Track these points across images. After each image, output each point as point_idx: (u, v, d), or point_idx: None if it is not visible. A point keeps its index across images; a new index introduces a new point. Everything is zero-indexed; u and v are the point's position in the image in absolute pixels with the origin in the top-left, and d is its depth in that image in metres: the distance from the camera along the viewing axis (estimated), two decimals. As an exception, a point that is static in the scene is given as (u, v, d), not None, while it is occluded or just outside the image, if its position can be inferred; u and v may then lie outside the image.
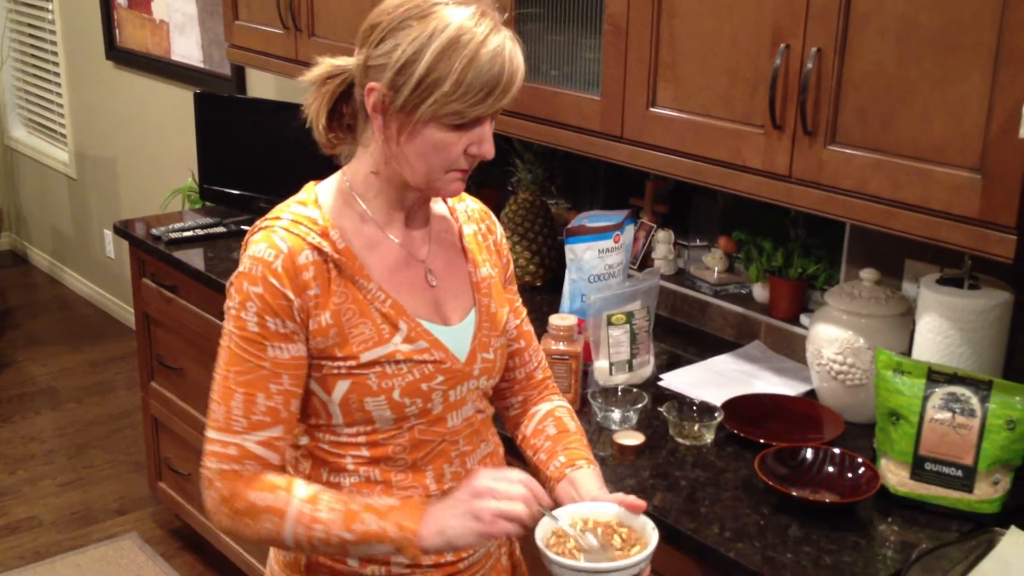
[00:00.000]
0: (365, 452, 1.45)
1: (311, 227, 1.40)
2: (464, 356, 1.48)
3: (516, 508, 1.32)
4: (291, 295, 1.37)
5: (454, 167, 1.39)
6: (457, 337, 1.49)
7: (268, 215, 1.44)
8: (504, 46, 1.34)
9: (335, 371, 1.40)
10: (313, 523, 1.35)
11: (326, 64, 1.43)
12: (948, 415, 1.70)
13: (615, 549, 1.38)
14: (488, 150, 1.39)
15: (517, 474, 1.38)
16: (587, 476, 1.52)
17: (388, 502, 1.38)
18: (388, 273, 1.45)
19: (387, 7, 1.37)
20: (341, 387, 1.40)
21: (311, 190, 1.47)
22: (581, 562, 1.35)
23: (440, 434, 1.48)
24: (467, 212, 1.60)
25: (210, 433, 1.39)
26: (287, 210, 1.43)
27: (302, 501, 1.36)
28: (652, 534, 1.39)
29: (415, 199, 1.47)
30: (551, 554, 1.35)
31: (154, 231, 3.16)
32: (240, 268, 1.39)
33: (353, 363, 1.40)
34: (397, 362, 1.41)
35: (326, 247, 1.39)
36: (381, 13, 1.37)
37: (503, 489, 1.34)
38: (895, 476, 1.76)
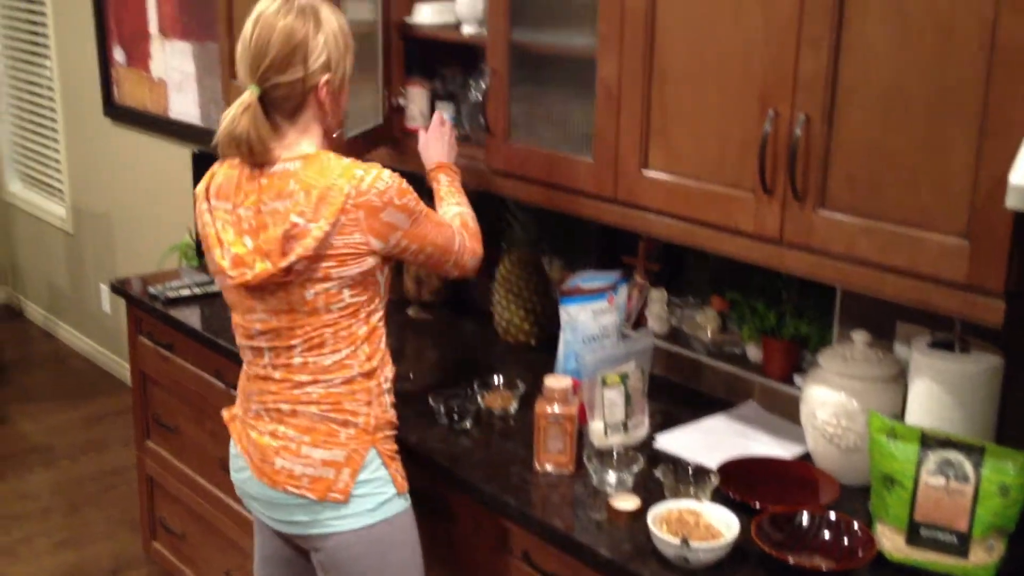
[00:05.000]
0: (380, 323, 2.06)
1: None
2: None
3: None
4: None
5: None
6: None
7: (343, 166, 1.91)
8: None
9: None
10: (464, 207, 2.25)
11: (237, 104, 1.91)
12: (942, 480, 1.71)
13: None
14: None
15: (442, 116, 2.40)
16: None
17: (443, 179, 2.30)
18: None
19: (284, 38, 1.89)
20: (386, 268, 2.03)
21: (326, 154, 1.96)
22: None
23: None
24: None
25: (454, 245, 2.09)
26: (346, 160, 1.94)
27: (458, 209, 2.22)
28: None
29: None
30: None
31: (151, 290, 3.17)
32: (390, 191, 1.91)
33: None
34: None
35: None
36: (288, 43, 1.90)
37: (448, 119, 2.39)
38: (891, 542, 1.76)
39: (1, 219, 5.81)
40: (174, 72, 4.18)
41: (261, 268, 1.91)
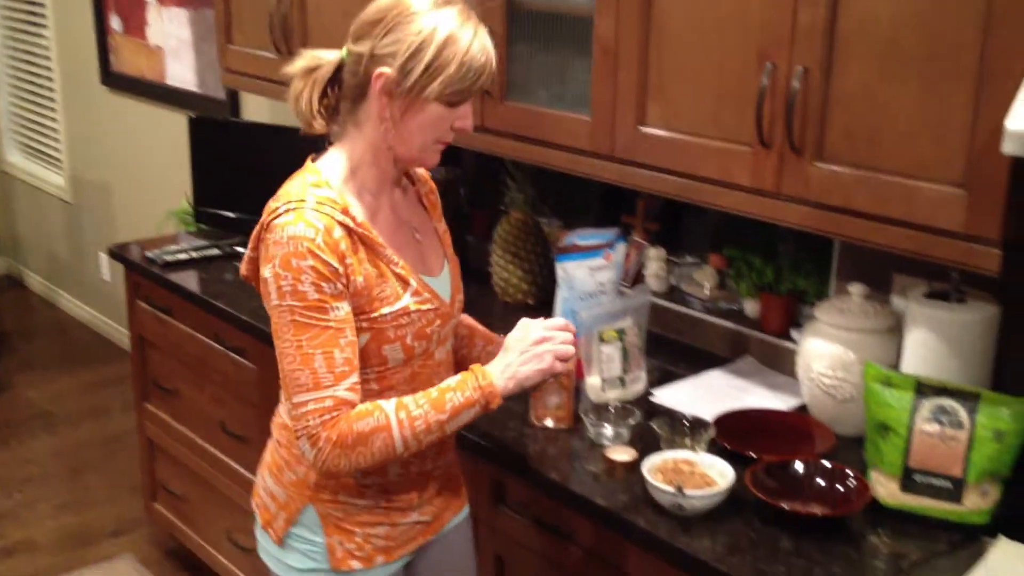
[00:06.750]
0: (374, 386, 1.68)
1: (334, 207, 1.60)
2: (448, 299, 1.76)
3: (568, 348, 1.69)
4: (335, 263, 1.57)
5: (442, 139, 1.66)
6: (442, 284, 1.76)
7: (288, 198, 1.60)
8: (486, 38, 1.62)
9: (362, 325, 1.63)
10: (413, 422, 1.60)
11: (311, 56, 1.67)
12: (937, 427, 1.72)
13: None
14: (471, 124, 1.67)
15: (558, 320, 1.73)
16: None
17: (456, 378, 1.65)
18: (390, 236, 1.69)
19: (383, 6, 1.59)
20: (363, 337, 1.63)
21: (316, 171, 1.65)
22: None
23: (431, 367, 1.74)
24: (415, 175, 1.83)
25: (300, 397, 1.57)
26: (306, 193, 1.60)
27: (396, 411, 1.60)
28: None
29: (399, 169, 1.72)
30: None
31: (148, 254, 3.17)
32: (279, 251, 1.55)
33: (376, 316, 1.63)
34: (409, 313, 1.66)
35: (350, 223, 1.61)
36: (381, 11, 1.59)
37: (557, 335, 1.69)
38: (885, 488, 1.77)
39: (0, 190, 5.81)
40: (171, 39, 4.17)
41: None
